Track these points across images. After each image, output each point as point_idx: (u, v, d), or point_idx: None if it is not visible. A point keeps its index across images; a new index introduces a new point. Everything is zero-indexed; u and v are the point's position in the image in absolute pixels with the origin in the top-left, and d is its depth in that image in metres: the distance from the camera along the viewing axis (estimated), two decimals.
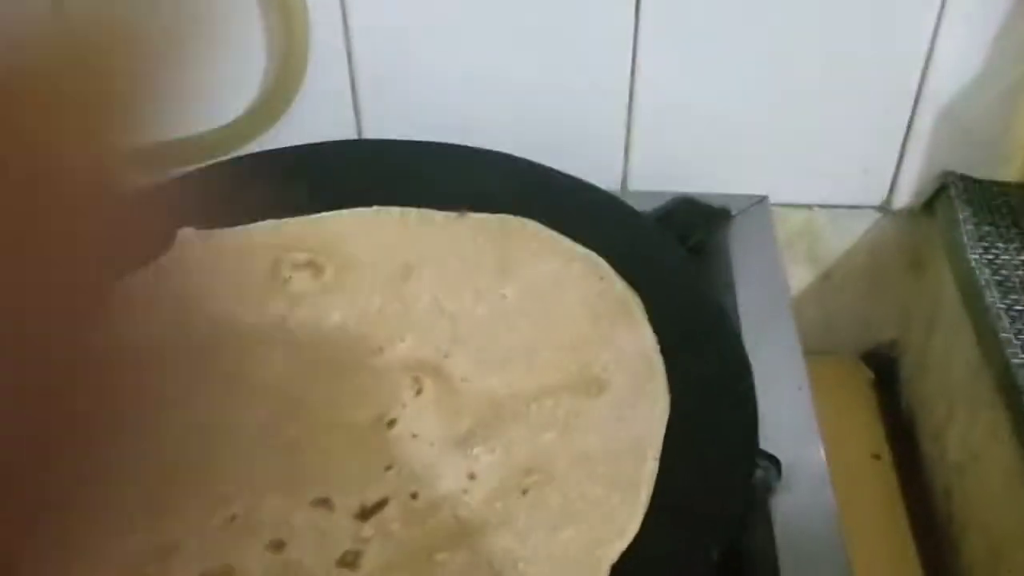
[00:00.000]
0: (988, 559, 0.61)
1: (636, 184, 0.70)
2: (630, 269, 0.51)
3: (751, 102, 0.66)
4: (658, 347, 0.48)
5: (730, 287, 0.55)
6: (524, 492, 0.42)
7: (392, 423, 0.45)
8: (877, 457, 0.73)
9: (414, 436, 0.45)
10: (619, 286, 0.51)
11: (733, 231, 0.63)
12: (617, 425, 0.45)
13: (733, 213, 0.63)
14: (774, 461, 0.46)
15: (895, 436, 0.76)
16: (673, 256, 0.53)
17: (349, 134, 0.69)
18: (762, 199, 0.66)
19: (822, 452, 0.51)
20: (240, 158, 0.62)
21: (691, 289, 0.51)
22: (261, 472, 0.43)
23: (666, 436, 0.44)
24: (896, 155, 0.68)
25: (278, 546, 0.41)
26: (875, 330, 0.78)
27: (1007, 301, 0.61)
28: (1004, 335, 0.59)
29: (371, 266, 0.53)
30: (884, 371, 0.80)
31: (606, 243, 0.55)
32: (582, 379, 0.47)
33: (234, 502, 0.42)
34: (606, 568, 0.39)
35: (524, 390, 0.46)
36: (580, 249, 0.53)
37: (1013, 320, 0.59)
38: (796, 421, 0.52)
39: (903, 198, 0.70)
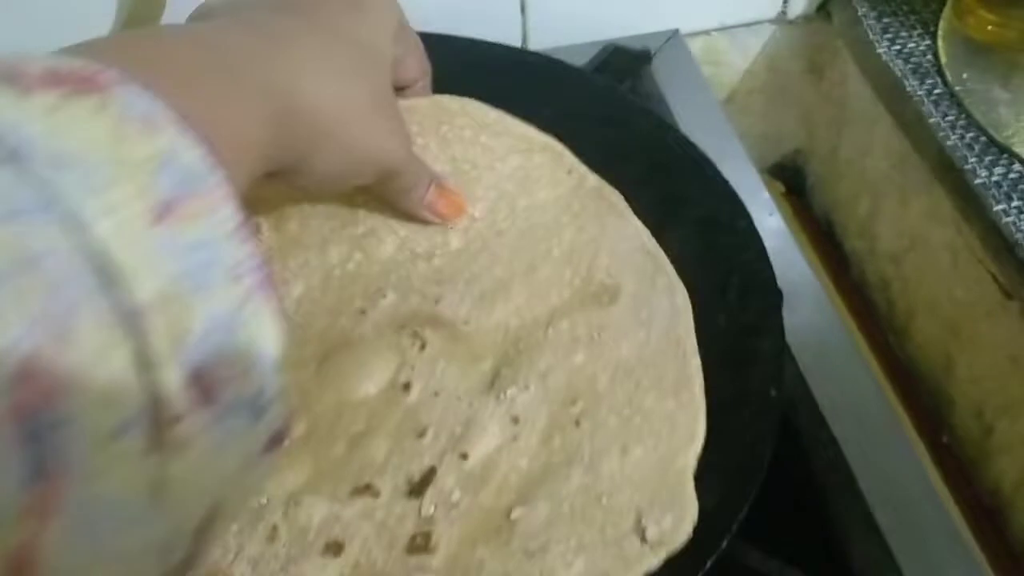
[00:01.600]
0: (942, 335, 0.64)
1: (536, 43, 0.67)
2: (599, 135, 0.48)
3: None
4: (650, 235, 0.45)
5: (674, 128, 0.53)
6: (577, 423, 0.40)
7: (407, 386, 0.41)
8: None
9: (436, 394, 0.40)
10: (591, 179, 0.47)
11: (655, 69, 0.61)
12: (642, 328, 0.42)
13: (652, 52, 0.61)
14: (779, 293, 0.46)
15: (816, 241, 0.78)
16: (634, 111, 0.51)
17: None
18: (674, 33, 0.64)
19: (811, 272, 0.52)
20: None
21: (664, 143, 0.49)
22: (286, 475, 0.38)
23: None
24: None
25: (336, 550, 0.37)
26: (779, 143, 0.79)
27: (926, 86, 0.62)
28: (932, 120, 0.60)
29: (309, 213, 0.46)
30: (791, 181, 0.82)
31: (558, 109, 0.52)
32: (589, 290, 0.43)
33: (269, 513, 0.38)
34: (690, 476, 0.38)
35: (534, 316, 0.43)
36: (537, 136, 0.49)
37: (936, 104, 0.61)
38: (778, 247, 0.51)
39: (798, 6, 0.70)
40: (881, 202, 0.70)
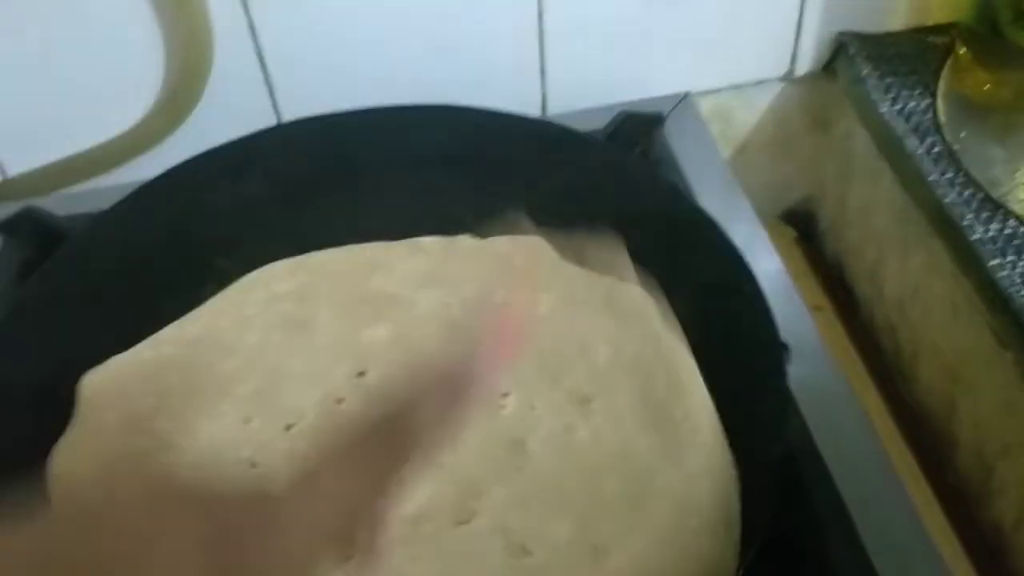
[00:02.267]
0: (944, 379, 0.67)
1: (554, 107, 0.71)
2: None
3: (649, 4, 0.67)
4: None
5: (683, 196, 0.56)
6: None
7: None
8: (819, 308, 0.78)
9: None
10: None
11: (667, 132, 0.65)
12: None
13: (664, 114, 0.64)
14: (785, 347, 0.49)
15: (828, 284, 0.81)
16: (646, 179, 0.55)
17: (268, 120, 0.66)
18: (685, 96, 0.67)
19: (812, 322, 0.55)
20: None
21: (673, 210, 0.53)
22: None
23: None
24: (795, 25, 0.71)
25: None
26: (790, 191, 0.83)
27: (926, 144, 0.65)
28: (932, 177, 0.63)
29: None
30: (803, 227, 0.85)
31: (571, 178, 0.55)
32: None
33: None
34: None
35: None
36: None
37: (936, 161, 0.64)
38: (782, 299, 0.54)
39: (804, 65, 0.73)
40: (886, 252, 0.73)
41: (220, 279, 0.54)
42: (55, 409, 0.48)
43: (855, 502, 0.46)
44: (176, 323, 0.52)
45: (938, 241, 0.63)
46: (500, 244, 0.54)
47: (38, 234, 0.59)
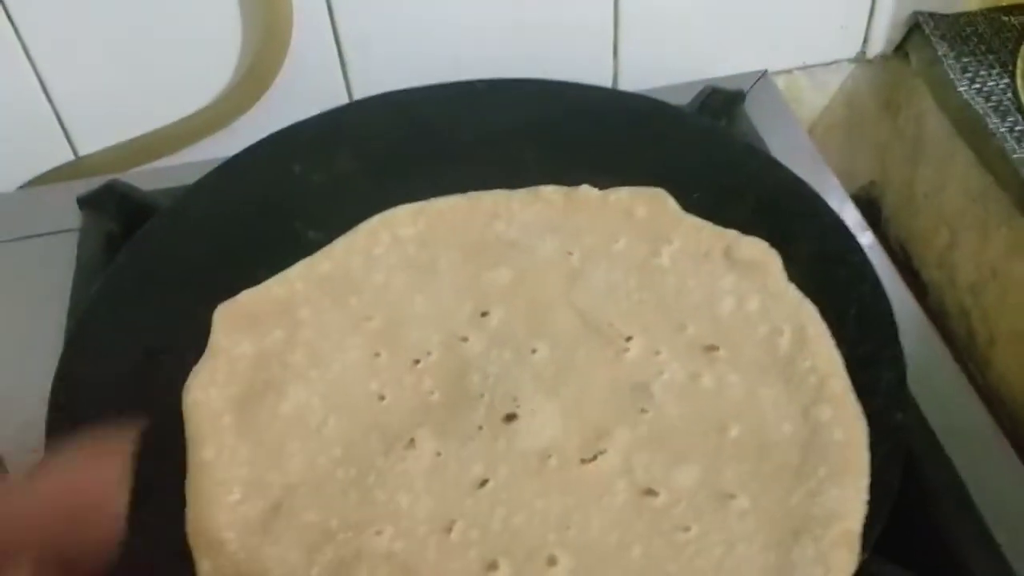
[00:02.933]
0: (1022, 364, 0.66)
1: (625, 86, 0.70)
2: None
3: None
4: None
5: (781, 166, 0.56)
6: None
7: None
8: None
9: None
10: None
11: (748, 108, 0.64)
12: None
13: (745, 91, 0.64)
14: None
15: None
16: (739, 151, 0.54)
17: (340, 99, 0.66)
18: (764, 73, 0.67)
19: (908, 293, 0.55)
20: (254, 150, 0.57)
21: (772, 181, 0.52)
22: None
23: None
24: (868, 5, 0.70)
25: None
26: (854, 177, 0.82)
27: (1007, 123, 0.64)
28: (1016, 155, 0.62)
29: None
30: (866, 213, 0.84)
31: (661, 151, 0.55)
32: None
33: None
34: None
35: None
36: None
37: (1019, 140, 0.63)
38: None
39: (876, 46, 0.73)
40: (959, 235, 0.72)
41: (310, 251, 0.53)
42: (151, 381, 0.47)
43: (969, 474, 0.45)
44: (304, 261, 0.52)
45: (1021, 220, 0.63)
46: (622, 195, 0.54)
47: (122, 208, 0.59)
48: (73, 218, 0.62)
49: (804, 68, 0.74)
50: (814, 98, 0.76)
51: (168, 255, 0.53)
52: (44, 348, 0.51)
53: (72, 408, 0.45)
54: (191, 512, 0.42)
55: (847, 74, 0.75)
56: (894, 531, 0.41)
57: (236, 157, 0.56)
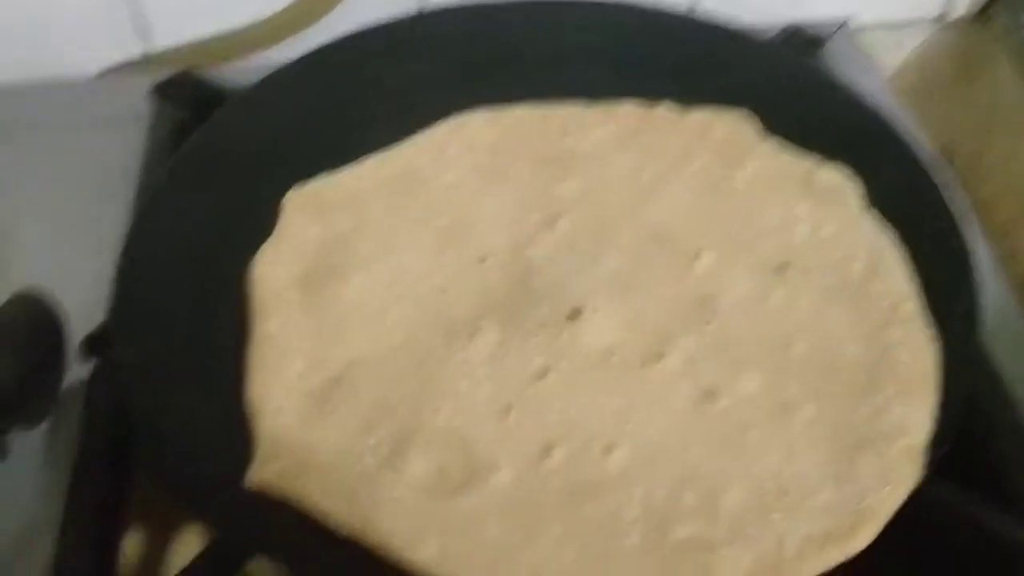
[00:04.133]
0: None
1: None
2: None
3: None
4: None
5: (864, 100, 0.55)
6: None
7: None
8: None
9: None
10: None
11: (828, 55, 0.63)
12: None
13: (824, 38, 0.63)
14: None
15: None
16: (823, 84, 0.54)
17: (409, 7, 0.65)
18: (844, 23, 0.66)
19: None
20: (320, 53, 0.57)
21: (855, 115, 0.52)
22: None
23: None
24: None
25: None
26: (923, 141, 0.81)
27: None
28: None
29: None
30: None
31: (743, 79, 0.55)
32: None
33: None
34: None
35: None
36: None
37: None
38: None
39: (959, 7, 0.71)
40: None
41: (380, 150, 0.53)
42: (218, 259, 0.48)
43: None
44: (376, 157, 0.52)
45: None
46: (701, 116, 0.54)
47: (195, 97, 0.59)
48: (146, 107, 0.62)
49: (883, 25, 0.72)
50: (889, 57, 0.75)
51: (239, 141, 0.53)
52: (111, 231, 0.51)
53: (137, 284, 0.45)
54: (254, 379, 0.42)
55: (925, 35, 0.73)
56: (953, 462, 0.40)
57: (310, 54, 0.56)
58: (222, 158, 0.52)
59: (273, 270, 0.46)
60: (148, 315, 0.44)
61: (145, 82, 0.62)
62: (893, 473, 0.38)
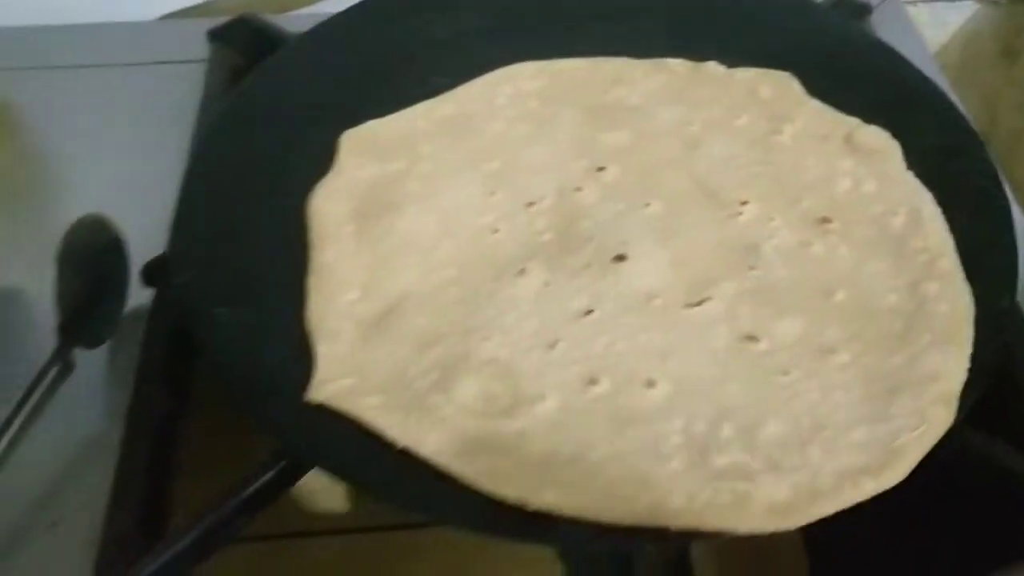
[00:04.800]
0: None
1: None
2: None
3: None
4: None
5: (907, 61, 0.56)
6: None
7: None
8: None
9: None
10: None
11: (875, 23, 0.64)
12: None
13: (872, 5, 0.64)
14: None
15: None
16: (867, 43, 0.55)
17: None
18: None
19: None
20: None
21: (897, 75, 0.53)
22: None
23: None
24: None
25: None
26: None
27: None
28: None
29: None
30: None
31: (789, 37, 0.56)
32: None
33: None
34: None
35: None
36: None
37: None
38: None
39: None
40: None
41: (432, 95, 0.55)
42: (274, 193, 0.49)
43: None
44: (428, 101, 0.54)
45: None
46: (748, 74, 0.55)
47: (252, 42, 0.60)
48: (196, 51, 0.64)
49: (928, 1, 0.73)
50: (932, 34, 0.75)
51: (294, 83, 0.54)
52: (170, 166, 0.53)
53: (197, 213, 0.47)
54: (312, 304, 0.44)
55: (970, 14, 0.74)
56: (985, 412, 0.41)
57: (365, 2, 0.58)
58: (280, 98, 0.54)
59: (329, 204, 0.48)
60: (209, 241, 0.46)
61: (203, 26, 0.64)
62: (926, 415, 0.39)
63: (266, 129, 0.52)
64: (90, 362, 0.48)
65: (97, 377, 0.48)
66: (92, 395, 0.47)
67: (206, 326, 0.42)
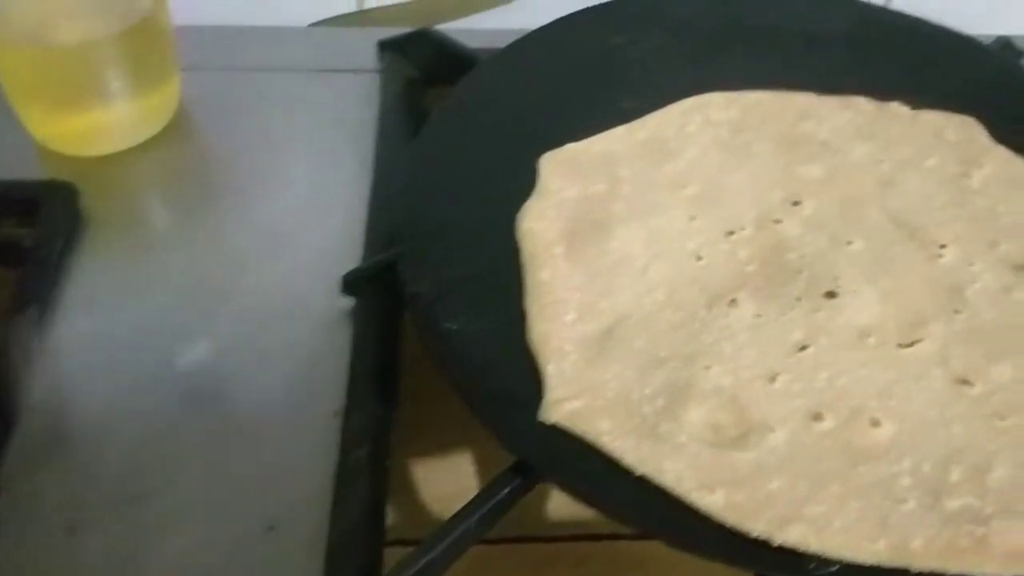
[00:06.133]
0: None
1: None
2: None
3: None
4: None
5: None
6: None
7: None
8: None
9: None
10: None
11: None
12: None
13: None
14: None
15: None
16: None
17: None
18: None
19: None
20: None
21: None
22: None
23: None
24: None
25: None
26: None
27: None
28: None
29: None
30: None
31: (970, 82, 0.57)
32: None
33: None
34: None
35: None
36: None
37: None
38: None
39: None
40: None
41: (624, 119, 0.55)
42: (484, 218, 0.50)
43: None
44: (623, 126, 0.55)
45: None
46: (934, 116, 0.56)
47: (431, 55, 0.62)
48: (362, 60, 0.65)
49: None
50: None
51: (490, 104, 0.55)
52: (347, 177, 0.54)
53: (420, 222, 0.48)
54: (533, 324, 0.45)
55: None
56: None
57: (556, 22, 0.59)
58: (483, 113, 0.55)
59: (539, 225, 0.49)
60: (434, 250, 0.47)
61: (356, 35, 0.65)
62: None
63: (470, 144, 0.53)
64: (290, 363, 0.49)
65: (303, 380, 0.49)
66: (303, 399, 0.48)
67: (443, 337, 0.43)
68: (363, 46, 0.67)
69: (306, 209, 0.57)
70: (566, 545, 0.46)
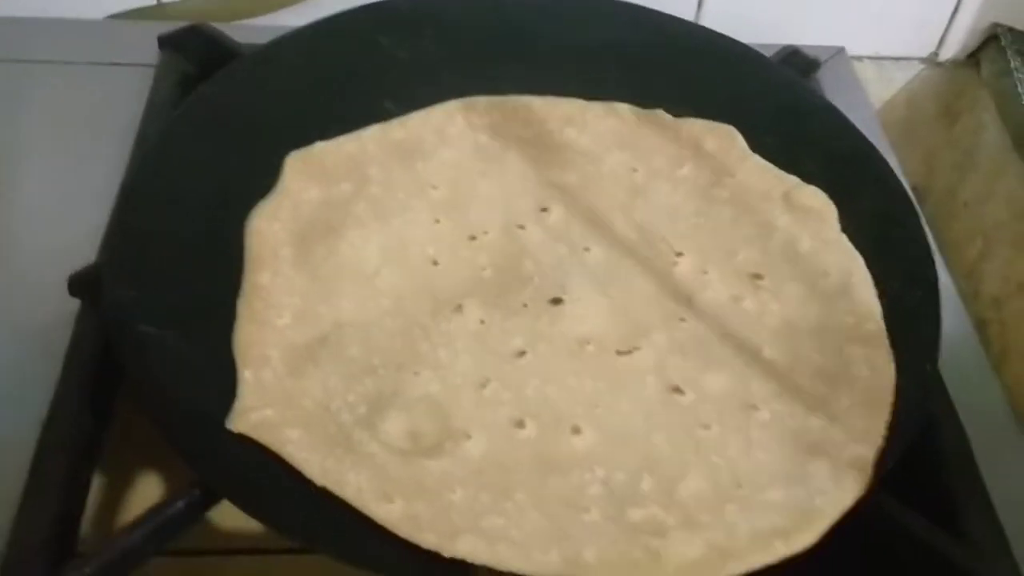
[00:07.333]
0: None
1: None
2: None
3: None
4: None
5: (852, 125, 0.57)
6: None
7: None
8: None
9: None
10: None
11: (822, 78, 0.65)
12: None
13: (821, 61, 0.65)
14: None
15: None
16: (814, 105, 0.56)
17: None
18: (841, 49, 0.68)
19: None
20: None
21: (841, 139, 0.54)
22: None
23: None
24: (951, 7, 0.71)
25: None
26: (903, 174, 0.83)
27: None
28: None
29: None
30: None
31: (737, 91, 0.57)
32: None
33: None
34: None
35: None
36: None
37: None
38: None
39: (950, 50, 0.74)
40: (993, 247, 0.74)
41: (384, 120, 0.54)
42: (216, 211, 0.49)
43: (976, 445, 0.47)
44: (379, 125, 0.54)
45: None
46: (694, 125, 0.56)
47: (204, 51, 0.60)
48: (150, 55, 0.63)
49: (875, 58, 0.75)
50: (877, 91, 0.77)
51: (247, 98, 0.54)
52: (107, 170, 0.53)
53: (133, 225, 0.47)
54: (240, 328, 0.44)
55: (915, 73, 0.76)
56: (900, 481, 0.42)
57: (325, 20, 0.58)
58: (230, 112, 0.53)
59: (269, 225, 0.48)
60: (142, 255, 0.45)
61: (152, 30, 0.63)
62: (841, 480, 0.40)
63: (213, 142, 0.52)
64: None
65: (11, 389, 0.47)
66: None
67: (132, 344, 0.42)
68: (149, 41, 0.65)
69: (50, 208, 0.55)
70: (262, 558, 0.45)
